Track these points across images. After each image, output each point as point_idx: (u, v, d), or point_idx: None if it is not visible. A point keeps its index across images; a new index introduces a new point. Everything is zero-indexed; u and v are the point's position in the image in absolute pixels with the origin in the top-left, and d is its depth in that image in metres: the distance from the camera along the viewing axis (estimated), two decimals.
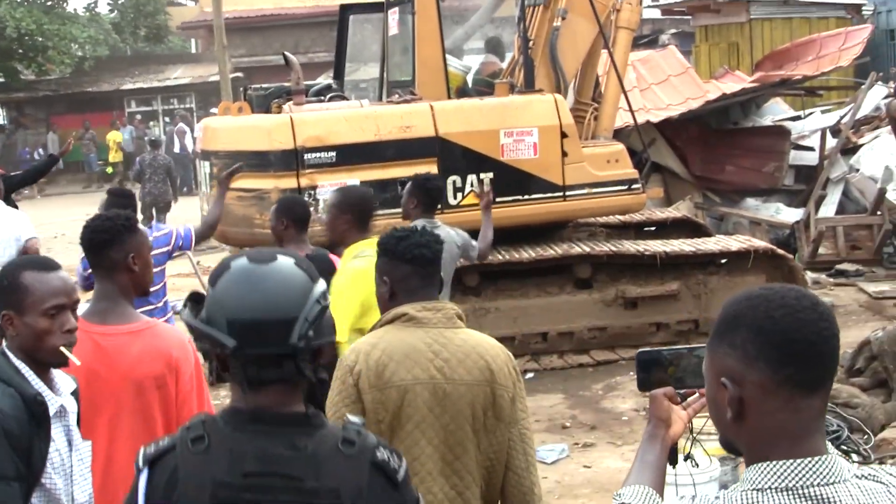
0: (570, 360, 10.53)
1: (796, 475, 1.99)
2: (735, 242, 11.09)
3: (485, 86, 11.11)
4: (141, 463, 2.44)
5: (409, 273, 3.73)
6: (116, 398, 3.87)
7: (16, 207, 11.73)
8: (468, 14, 12.47)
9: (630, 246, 10.81)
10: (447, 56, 10.70)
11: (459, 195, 10.04)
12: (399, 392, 3.57)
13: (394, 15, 11.11)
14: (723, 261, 10.89)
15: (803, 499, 1.97)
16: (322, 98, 10.48)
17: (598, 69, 11.83)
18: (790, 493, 1.98)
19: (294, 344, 2.40)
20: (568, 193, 10.44)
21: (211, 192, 9.98)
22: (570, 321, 10.51)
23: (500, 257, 10.15)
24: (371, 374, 3.57)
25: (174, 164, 21.47)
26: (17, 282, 3.38)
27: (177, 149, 29.72)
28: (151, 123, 35.66)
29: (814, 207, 14.48)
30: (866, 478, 2.02)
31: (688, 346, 2.88)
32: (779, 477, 1.99)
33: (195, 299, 2.51)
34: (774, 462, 2.01)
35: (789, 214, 14.79)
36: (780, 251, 11.08)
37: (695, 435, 2.80)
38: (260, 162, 9.68)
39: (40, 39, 34.02)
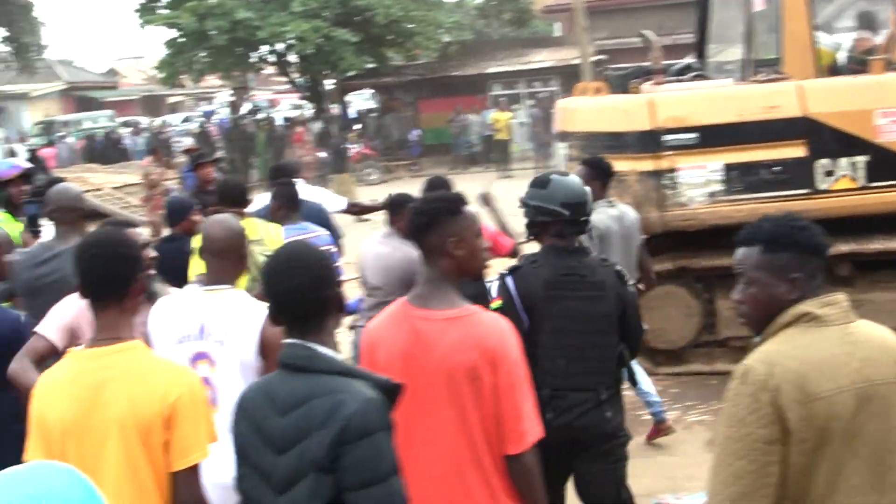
0: None
1: None
2: None
3: (858, 63, 10.37)
4: (506, 273, 5.09)
5: (818, 268, 3.25)
6: (432, 386, 3.75)
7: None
8: None
9: None
10: (817, 32, 10.07)
11: (830, 179, 9.42)
12: (827, 405, 3.05)
13: None
14: None
15: None
16: (682, 78, 10.13)
17: None
18: None
19: (587, 213, 5.15)
20: None
21: None
22: None
23: (877, 246, 9.45)
24: (791, 388, 3.05)
25: None
26: None
27: None
28: (514, 107, 36.11)
29: None
30: None
31: None
32: None
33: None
34: None
35: None
36: None
37: None
38: (617, 143, 9.44)
39: (408, 26, 35.19)
